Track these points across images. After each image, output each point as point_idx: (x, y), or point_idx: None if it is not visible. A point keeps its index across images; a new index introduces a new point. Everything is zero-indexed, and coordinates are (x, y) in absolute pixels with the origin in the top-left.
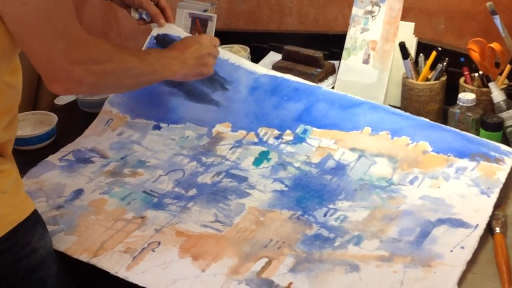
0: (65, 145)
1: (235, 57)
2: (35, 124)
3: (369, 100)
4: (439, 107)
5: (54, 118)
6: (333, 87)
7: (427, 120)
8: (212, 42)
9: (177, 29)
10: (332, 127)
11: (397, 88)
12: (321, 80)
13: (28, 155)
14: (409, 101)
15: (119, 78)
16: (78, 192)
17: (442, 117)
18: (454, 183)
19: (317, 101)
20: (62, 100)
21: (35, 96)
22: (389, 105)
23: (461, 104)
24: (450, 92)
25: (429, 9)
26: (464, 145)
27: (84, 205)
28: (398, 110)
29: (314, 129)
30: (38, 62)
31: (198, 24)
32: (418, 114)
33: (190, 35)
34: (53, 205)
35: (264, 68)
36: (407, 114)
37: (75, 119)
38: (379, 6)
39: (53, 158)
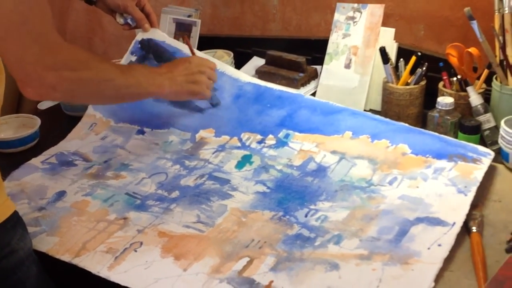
0: (48, 148)
1: (219, 63)
2: (18, 127)
3: (350, 106)
4: (419, 111)
5: (37, 121)
6: (315, 92)
7: (406, 125)
8: (203, 62)
9: (162, 34)
10: (313, 131)
11: (378, 92)
12: (303, 84)
13: (11, 158)
14: (389, 105)
15: (97, 88)
16: (61, 194)
17: (422, 121)
18: (432, 183)
19: (299, 108)
20: (45, 105)
21: (18, 99)
22: (370, 109)
23: (440, 107)
24: (429, 97)
25: (409, 15)
26: (443, 147)
27: (67, 207)
28: (378, 116)
29: (296, 133)
30: (12, 66)
31: (189, 44)
32: (398, 118)
33: (174, 40)
34: (35, 207)
35: (247, 75)
36: (387, 119)
37: (58, 122)
38: (361, 12)
39: (35, 161)
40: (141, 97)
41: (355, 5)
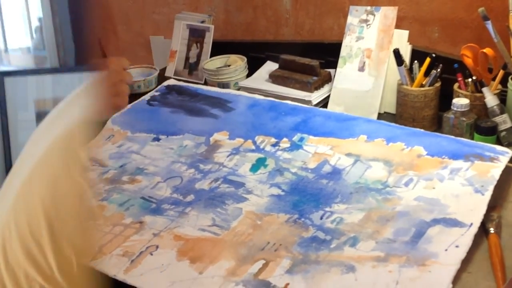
0: None
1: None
2: None
3: (365, 109)
4: (434, 112)
5: None
6: (329, 95)
7: (421, 130)
8: (120, 64)
9: None
10: (328, 135)
11: (392, 95)
12: (317, 88)
13: None
14: (404, 107)
15: None
16: None
17: (437, 123)
18: (449, 184)
19: (314, 116)
20: None
21: None
22: (385, 112)
23: (455, 109)
24: (444, 98)
25: (423, 17)
26: (459, 148)
27: None
28: (393, 124)
29: (311, 137)
30: None
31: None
32: (413, 120)
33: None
34: None
35: (262, 96)
36: (402, 126)
37: None
38: (374, 15)
39: None
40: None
41: (368, 7)
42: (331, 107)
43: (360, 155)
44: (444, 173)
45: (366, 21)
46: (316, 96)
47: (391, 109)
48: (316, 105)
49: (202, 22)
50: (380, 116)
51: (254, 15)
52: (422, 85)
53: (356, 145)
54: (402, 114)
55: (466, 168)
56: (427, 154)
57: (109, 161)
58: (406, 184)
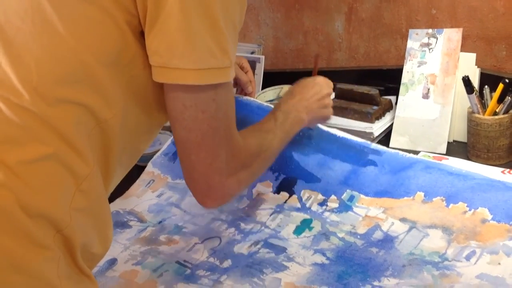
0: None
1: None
2: None
3: (432, 139)
4: (510, 141)
5: None
6: (392, 124)
7: (487, 177)
8: (327, 82)
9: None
10: (381, 195)
11: (461, 122)
12: (378, 118)
13: None
14: (477, 137)
15: (264, 168)
16: (111, 262)
17: None
18: None
19: (365, 163)
20: None
21: None
22: (454, 140)
23: None
24: None
25: (488, 35)
26: None
27: (116, 277)
28: (455, 169)
29: (362, 196)
30: (197, 175)
31: (316, 65)
32: (487, 151)
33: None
34: None
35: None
36: (465, 172)
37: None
38: (436, 38)
39: None
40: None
41: (430, 30)
42: (395, 138)
43: (417, 222)
44: None
45: (428, 44)
46: (378, 127)
47: (461, 137)
48: (378, 136)
49: (252, 52)
50: (450, 145)
51: (305, 40)
52: (495, 113)
53: (412, 207)
54: (475, 144)
55: None
56: (493, 219)
57: (148, 215)
58: (468, 258)
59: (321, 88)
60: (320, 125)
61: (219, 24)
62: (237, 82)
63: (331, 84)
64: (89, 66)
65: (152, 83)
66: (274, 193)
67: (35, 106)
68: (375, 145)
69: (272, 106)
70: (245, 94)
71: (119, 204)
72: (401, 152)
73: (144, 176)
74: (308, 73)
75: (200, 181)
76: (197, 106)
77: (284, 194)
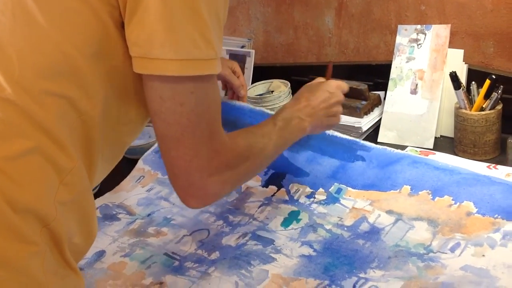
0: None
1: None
2: None
3: (420, 134)
4: (496, 137)
5: None
6: (380, 119)
7: (473, 172)
8: (340, 88)
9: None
10: (368, 188)
11: (448, 117)
12: (366, 112)
13: None
14: (464, 132)
15: (254, 172)
16: (100, 254)
17: (500, 148)
18: (500, 251)
19: (354, 158)
20: None
21: None
22: (441, 135)
23: None
24: (506, 119)
25: (476, 32)
26: None
27: (104, 268)
28: (441, 164)
29: (349, 189)
30: (177, 171)
31: (329, 69)
32: (474, 146)
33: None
34: None
35: None
36: (451, 167)
37: (117, 166)
38: (425, 34)
39: None
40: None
41: (418, 26)
42: (383, 133)
43: (403, 214)
44: (496, 237)
45: (416, 40)
46: (366, 122)
47: (448, 132)
48: (366, 131)
49: (242, 46)
50: (437, 140)
51: (295, 35)
52: (482, 108)
53: (399, 200)
54: (461, 139)
55: None
56: (478, 212)
57: (137, 208)
58: (452, 250)
59: (331, 95)
60: None
61: (202, 15)
62: (228, 86)
63: (345, 88)
64: (71, 58)
65: (132, 74)
66: (262, 186)
67: (18, 99)
68: (363, 142)
69: (263, 109)
70: (237, 98)
71: (108, 198)
72: (389, 148)
73: (134, 173)
74: (298, 68)
75: (181, 177)
76: (175, 99)
77: (272, 188)
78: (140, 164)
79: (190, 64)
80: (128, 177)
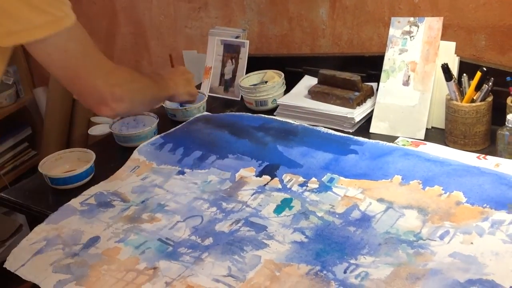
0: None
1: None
2: (73, 162)
3: (411, 125)
4: (486, 128)
5: (92, 156)
6: (372, 110)
7: (463, 163)
8: (186, 69)
9: None
10: (360, 177)
11: (439, 109)
12: (359, 103)
13: (67, 194)
14: (454, 124)
15: (145, 95)
16: (94, 240)
17: (490, 139)
18: (488, 239)
19: (347, 152)
20: (96, 130)
21: (69, 125)
22: (432, 127)
23: (510, 125)
24: (497, 112)
25: (469, 25)
26: (503, 193)
27: (98, 254)
28: (432, 156)
29: (342, 178)
30: (88, 95)
31: (172, 59)
32: (464, 137)
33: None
34: (68, 253)
35: (295, 122)
36: (442, 159)
37: (111, 154)
38: (417, 26)
39: (74, 202)
40: (165, 99)
41: (411, 18)
42: (375, 124)
43: (393, 202)
44: (485, 225)
45: (409, 32)
46: (359, 113)
47: (439, 123)
48: (359, 121)
49: (237, 37)
50: (428, 131)
51: (290, 26)
52: (473, 100)
53: (390, 188)
54: (452, 131)
55: (510, 221)
56: (467, 202)
57: (131, 195)
58: (441, 237)
59: (184, 72)
60: (305, 124)
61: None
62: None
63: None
64: None
65: None
66: (256, 176)
67: None
68: (357, 138)
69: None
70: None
71: (103, 186)
72: (381, 142)
73: (129, 163)
74: (292, 59)
75: (93, 97)
76: (59, 48)
77: (266, 177)
78: (135, 154)
79: (53, 24)
80: (123, 167)
